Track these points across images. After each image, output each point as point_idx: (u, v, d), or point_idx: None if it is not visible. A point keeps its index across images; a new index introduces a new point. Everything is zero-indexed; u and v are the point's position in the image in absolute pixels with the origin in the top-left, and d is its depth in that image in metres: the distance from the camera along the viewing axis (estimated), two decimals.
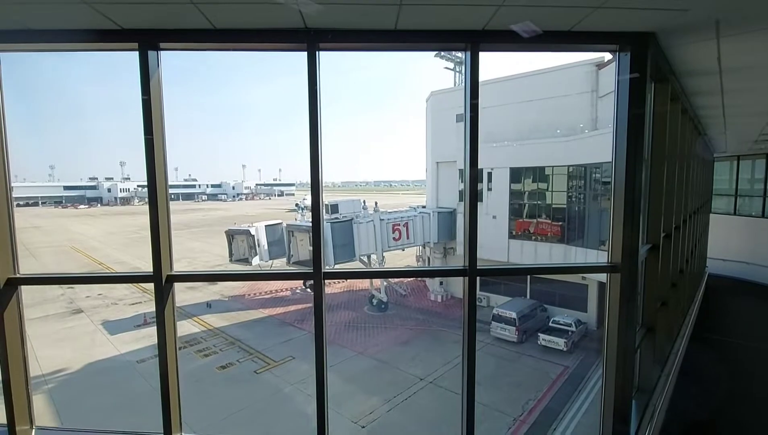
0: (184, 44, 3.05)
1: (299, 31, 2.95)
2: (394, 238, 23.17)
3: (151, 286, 3.23)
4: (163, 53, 3.09)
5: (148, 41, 2.96)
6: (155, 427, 3.40)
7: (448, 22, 2.94)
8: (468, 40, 3.09)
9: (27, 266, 4.01)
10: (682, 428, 6.38)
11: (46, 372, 15.13)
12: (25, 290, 3.35)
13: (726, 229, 18.13)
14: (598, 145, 17.43)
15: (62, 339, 18.67)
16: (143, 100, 3.03)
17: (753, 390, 8.20)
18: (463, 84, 3.33)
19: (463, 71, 3.43)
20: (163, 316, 3.18)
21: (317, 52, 3.04)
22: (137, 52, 2.99)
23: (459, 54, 32.36)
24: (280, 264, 22.30)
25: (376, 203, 24.57)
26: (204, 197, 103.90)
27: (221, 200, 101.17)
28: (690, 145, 7.78)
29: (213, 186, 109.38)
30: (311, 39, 2.99)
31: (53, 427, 4.30)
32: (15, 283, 3.23)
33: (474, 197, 3.36)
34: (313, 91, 3.07)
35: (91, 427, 3.82)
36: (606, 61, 18.56)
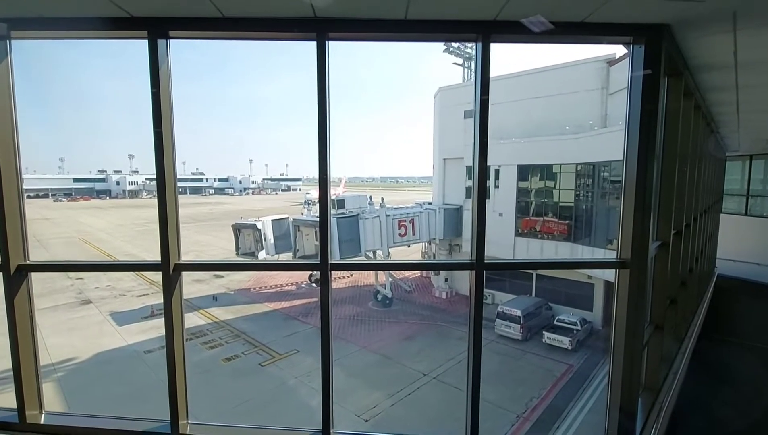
0: (193, 32, 3.04)
1: (308, 20, 2.93)
2: (399, 234, 23.16)
3: (158, 278, 3.25)
4: (172, 45, 3.08)
5: (157, 29, 2.95)
6: (162, 414, 3.43)
7: (459, 11, 2.90)
8: (479, 31, 3.04)
9: (37, 256, 4.06)
10: (688, 427, 6.33)
11: (56, 361, 15.37)
12: (36, 280, 3.38)
13: (737, 229, 17.86)
14: (607, 143, 17.22)
15: (71, 329, 18.95)
16: (152, 92, 3.01)
17: (761, 390, 8.11)
18: (472, 80, 3.29)
19: (473, 66, 3.38)
20: (170, 305, 3.20)
21: (326, 42, 3.01)
22: (147, 42, 2.98)
23: (469, 49, 32.08)
24: (286, 258, 22.39)
25: (382, 199, 24.57)
26: (211, 191, 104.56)
27: (228, 194, 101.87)
28: (702, 142, 7.65)
29: (220, 180, 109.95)
30: (320, 28, 2.97)
31: (62, 412, 4.36)
32: (25, 270, 3.26)
33: (483, 191, 3.32)
34: (322, 81, 3.04)
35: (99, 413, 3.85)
36: (617, 57, 18.31)
